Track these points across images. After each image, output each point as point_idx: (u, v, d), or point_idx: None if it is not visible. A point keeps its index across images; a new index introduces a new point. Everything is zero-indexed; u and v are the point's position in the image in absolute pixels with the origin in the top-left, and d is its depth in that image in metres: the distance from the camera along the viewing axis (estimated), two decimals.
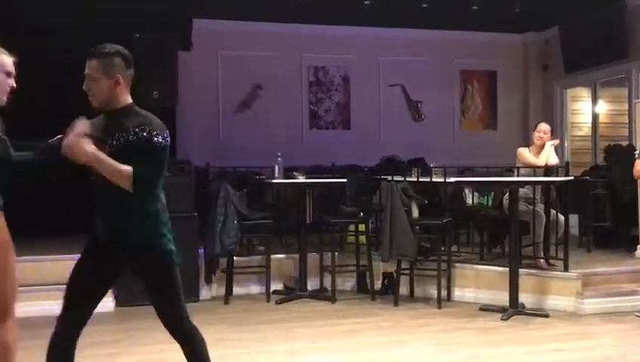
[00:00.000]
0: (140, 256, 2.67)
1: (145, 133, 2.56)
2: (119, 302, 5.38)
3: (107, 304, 5.34)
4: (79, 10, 6.89)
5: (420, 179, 5.84)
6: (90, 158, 2.53)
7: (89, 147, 2.51)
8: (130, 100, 2.70)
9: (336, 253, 5.84)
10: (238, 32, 8.56)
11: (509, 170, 6.03)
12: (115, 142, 2.58)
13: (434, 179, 5.83)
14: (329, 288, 5.85)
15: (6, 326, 2.74)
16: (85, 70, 2.64)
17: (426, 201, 5.89)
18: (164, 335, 4.59)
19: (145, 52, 5.76)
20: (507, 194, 5.59)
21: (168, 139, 2.60)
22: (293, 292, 5.89)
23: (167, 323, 2.73)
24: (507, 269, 5.30)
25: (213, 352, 4.14)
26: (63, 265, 5.03)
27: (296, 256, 5.98)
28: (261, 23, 8.53)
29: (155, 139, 2.56)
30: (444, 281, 5.62)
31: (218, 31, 8.44)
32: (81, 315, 2.72)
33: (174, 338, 2.75)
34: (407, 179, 5.80)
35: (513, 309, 5.17)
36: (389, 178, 5.75)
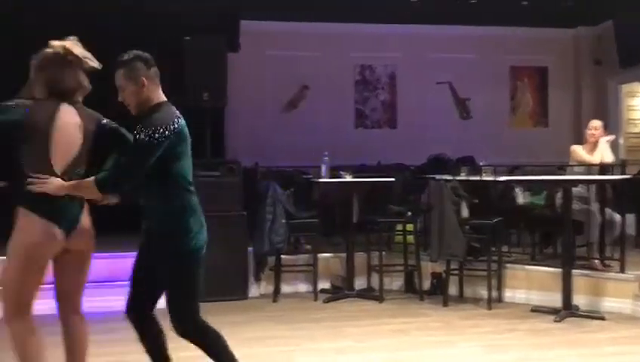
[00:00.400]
0: (159, 247, 2.77)
1: (136, 132, 2.66)
2: None
3: (161, 300, 5.47)
4: (127, 13, 7.03)
5: (470, 178, 5.75)
6: (65, 190, 2.69)
7: (54, 184, 2.68)
8: (161, 98, 2.79)
9: (383, 253, 5.81)
10: (284, 32, 8.62)
11: (562, 169, 5.88)
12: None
13: (484, 178, 5.74)
14: (376, 288, 5.84)
15: (24, 322, 2.76)
16: (115, 82, 2.78)
17: (476, 200, 5.80)
18: None
19: (195, 54, 5.87)
20: (560, 193, 5.46)
21: (158, 135, 2.62)
22: (341, 291, 5.89)
23: (172, 316, 2.77)
24: (560, 270, 5.17)
25: (261, 349, 4.19)
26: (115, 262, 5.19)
27: (344, 255, 5.98)
28: (308, 23, 8.56)
29: (139, 136, 2.63)
30: (494, 282, 5.52)
31: (265, 32, 8.51)
32: (146, 302, 2.85)
33: (175, 332, 2.79)
34: (456, 177, 5.72)
35: (566, 311, 5.04)
36: (438, 177, 5.69)
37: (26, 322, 2.75)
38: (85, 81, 2.88)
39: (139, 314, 2.87)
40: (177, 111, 2.77)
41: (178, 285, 2.77)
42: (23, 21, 6.83)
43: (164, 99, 2.80)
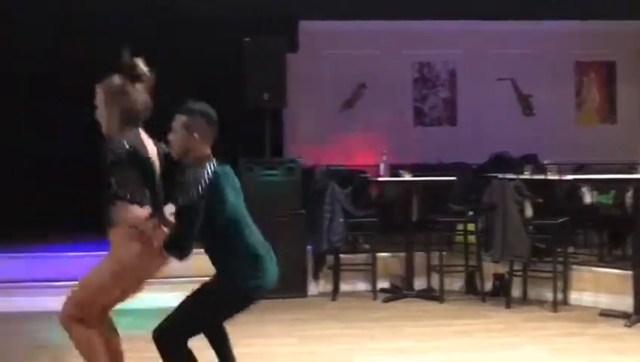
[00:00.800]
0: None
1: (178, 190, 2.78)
2: None
3: None
4: (189, 17, 7.17)
5: (534, 177, 5.59)
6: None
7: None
8: (204, 152, 2.87)
9: (443, 253, 5.73)
10: (342, 31, 8.61)
11: (633, 168, 5.64)
12: None
13: (549, 177, 5.56)
14: (436, 288, 5.76)
15: (94, 326, 2.78)
16: (172, 122, 2.88)
17: (540, 200, 5.63)
18: (274, 328, 4.72)
19: (254, 56, 5.95)
20: (630, 192, 5.24)
21: (196, 194, 2.71)
22: (400, 291, 5.85)
23: (161, 325, 2.78)
24: (630, 272, 4.96)
25: (321, 347, 4.19)
26: None
27: (403, 254, 5.94)
28: (365, 22, 8.52)
29: (180, 198, 2.74)
30: (560, 284, 5.35)
31: (323, 31, 8.52)
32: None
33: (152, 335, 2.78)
34: (520, 176, 5.58)
35: (638, 316, 4.83)
36: (500, 176, 5.56)
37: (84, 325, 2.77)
38: (150, 101, 2.90)
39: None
40: (213, 164, 2.85)
41: (193, 307, 2.81)
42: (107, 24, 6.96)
43: (207, 153, 2.88)
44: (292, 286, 5.75)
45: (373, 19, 8.47)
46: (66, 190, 6.88)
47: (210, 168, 2.82)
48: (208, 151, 2.89)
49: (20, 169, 7.09)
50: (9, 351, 4.29)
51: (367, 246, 6.20)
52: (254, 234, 2.88)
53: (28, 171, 7.15)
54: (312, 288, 5.95)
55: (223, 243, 2.82)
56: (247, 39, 5.95)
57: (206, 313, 2.84)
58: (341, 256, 5.88)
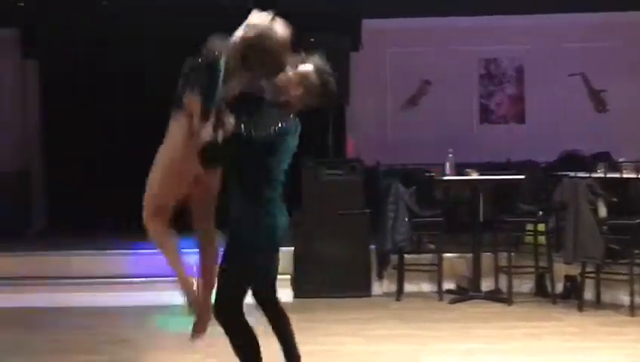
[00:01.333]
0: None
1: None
2: (298, 293, 5.63)
3: (286, 294, 5.62)
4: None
5: (608, 175, 5.37)
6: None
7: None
8: (297, 106, 2.95)
9: (512, 254, 5.58)
10: (405, 29, 8.51)
11: None
12: None
13: (624, 175, 5.33)
14: (504, 290, 5.61)
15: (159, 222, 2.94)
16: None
17: (615, 199, 5.40)
18: (341, 327, 4.72)
19: (318, 54, 5.96)
20: None
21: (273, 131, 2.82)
22: (467, 292, 5.73)
23: (215, 300, 2.86)
24: None
25: (388, 347, 4.16)
26: None
27: (469, 255, 5.82)
28: (428, 19, 8.40)
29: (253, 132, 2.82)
30: (637, 287, 5.11)
31: (386, 29, 8.45)
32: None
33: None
34: (593, 175, 5.36)
35: None
36: (572, 174, 5.37)
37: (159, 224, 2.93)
38: None
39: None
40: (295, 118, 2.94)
41: (226, 270, 2.86)
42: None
43: (298, 108, 2.95)
44: (356, 286, 5.76)
45: (437, 16, 8.34)
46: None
47: (289, 121, 2.86)
48: (300, 107, 2.92)
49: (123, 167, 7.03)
50: (94, 345, 4.47)
51: (432, 246, 6.12)
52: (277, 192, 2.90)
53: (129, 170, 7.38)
54: (376, 288, 5.92)
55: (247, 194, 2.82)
56: (312, 39, 5.97)
57: (237, 270, 2.85)
58: (405, 256, 5.81)
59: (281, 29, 2.91)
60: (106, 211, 7.36)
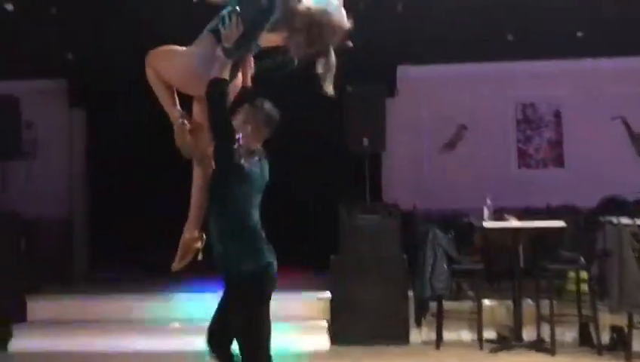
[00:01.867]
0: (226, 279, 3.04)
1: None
2: (334, 340, 5.57)
3: (321, 342, 5.56)
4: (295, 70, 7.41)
5: None
6: None
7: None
8: (252, 147, 3.21)
9: (554, 302, 5.43)
10: (441, 74, 8.57)
11: None
12: None
13: None
14: (547, 339, 5.46)
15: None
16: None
17: None
18: None
19: (355, 102, 6.06)
20: None
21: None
22: (508, 341, 5.59)
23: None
24: None
25: None
26: None
27: (510, 302, 5.69)
28: (464, 65, 8.45)
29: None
30: None
31: (422, 75, 8.52)
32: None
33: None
34: (637, 221, 5.23)
35: None
36: (615, 220, 5.24)
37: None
38: None
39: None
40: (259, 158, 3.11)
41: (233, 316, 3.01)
42: None
43: (254, 148, 3.14)
44: (394, 333, 5.68)
45: (473, 61, 8.39)
46: None
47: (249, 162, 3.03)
48: (257, 146, 3.13)
49: None
50: None
51: (471, 293, 6.01)
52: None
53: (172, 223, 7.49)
54: (415, 335, 5.82)
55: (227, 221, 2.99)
56: (349, 88, 6.06)
57: (247, 323, 2.91)
58: (445, 303, 5.72)
59: (344, 17, 2.96)
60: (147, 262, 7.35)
